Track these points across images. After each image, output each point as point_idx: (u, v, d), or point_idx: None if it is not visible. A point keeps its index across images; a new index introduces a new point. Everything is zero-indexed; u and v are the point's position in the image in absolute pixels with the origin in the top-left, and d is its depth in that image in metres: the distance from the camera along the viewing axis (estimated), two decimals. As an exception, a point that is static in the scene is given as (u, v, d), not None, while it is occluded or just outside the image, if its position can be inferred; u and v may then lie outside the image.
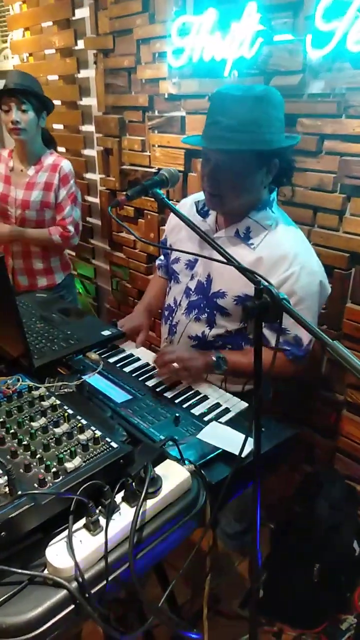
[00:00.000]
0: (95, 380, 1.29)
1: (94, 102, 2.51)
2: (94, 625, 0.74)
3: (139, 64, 2.17)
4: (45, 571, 0.72)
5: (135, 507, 0.77)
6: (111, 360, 1.46)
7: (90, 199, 2.78)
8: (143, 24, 2.07)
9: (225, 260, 1.05)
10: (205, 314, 1.48)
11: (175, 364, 1.35)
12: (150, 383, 1.37)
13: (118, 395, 1.28)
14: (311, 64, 1.55)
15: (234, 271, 1.21)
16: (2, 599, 0.68)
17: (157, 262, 1.83)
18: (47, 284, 2.32)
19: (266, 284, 0.93)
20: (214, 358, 1.39)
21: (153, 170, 2.27)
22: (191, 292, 1.53)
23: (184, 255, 1.57)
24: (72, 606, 0.70)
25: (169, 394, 1.32)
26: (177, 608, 1.51)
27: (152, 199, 1.40)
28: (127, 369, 1.42)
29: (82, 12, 2.39)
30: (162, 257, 1.81)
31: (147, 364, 1.45)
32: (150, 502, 0.80)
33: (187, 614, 1.64)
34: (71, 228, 2.23)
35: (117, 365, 1.43)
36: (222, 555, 2.03)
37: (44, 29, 2.74)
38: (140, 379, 1.38)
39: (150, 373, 1.41)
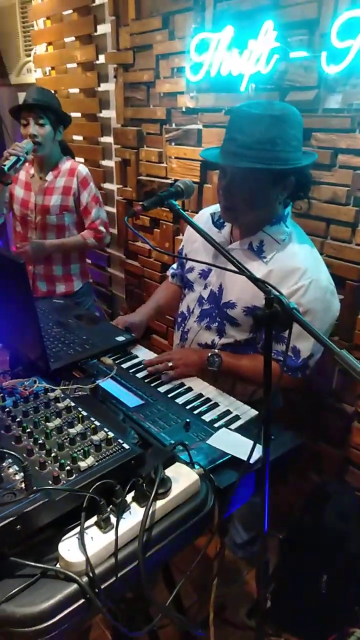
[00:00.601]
0: (108, 384, 1.32)
1: (113, 114, 2.58)
2: (102, 631, 0.77)
3: (158, 79, 2.22)
4: (58, 565, 0.75)
5: (145, 507, 0.80)
6: (124, 365, 1.49)
7: (107, 208, 2.82)
8: (163, 40, 2.13)
9: (237, 270, 1.08)
10: (216, 323, 1.51)
11: (170, 363, 1.42)
12: (162, 389, 1.39)
13: (130, 400, 1.31)
14: (326, 80, 1.58)
15: (245, 282, 1.32)
16: (15, 590, 0.71)
17: (171, 270, 1.87)
18: (66, 290, 2.38)
19: (277, 293, 0.96)
20: (209, 354, 1.44)
21: (169, 181, 2.32)
22: (204, 301, 1.56)
23: (198, 265, 1.60)
24: (83, 600, 0.73)
25: (180, 400, 1.34)
26: (183, 612, 1.52)
27: (168, 210, 1.44)
28: (139, 375, 1.46)
29: (104, 28, 2.47)
30: (174, 265, 1.85)
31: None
32: (159, 503, 0.83)
33: (194, 619, 1.65)
34: (102, 229, 2.31)
35: (130, 371, 1.46)
36: (230, 565, 2.03)
37: (66, 44, 2.82)
38: (152, 385, 1.41)
39: (162, 380, 1.44)
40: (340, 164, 1.63)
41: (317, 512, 1.77)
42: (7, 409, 0.96)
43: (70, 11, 2.65)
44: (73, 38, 2.68)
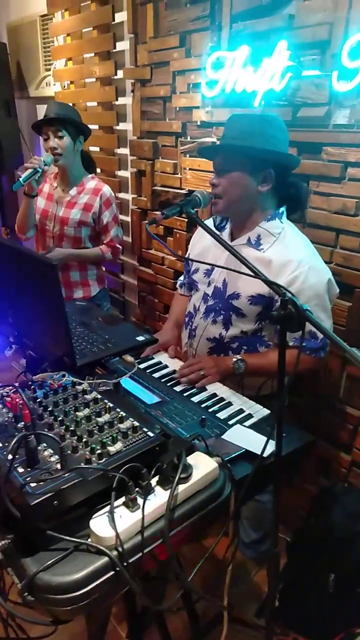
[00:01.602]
0: (127, 382, 1.39)
1: (129, 127, 2.68)
2: (113, 626, 0.82)
3: (174, 94, 2.32)
4: (89, 540, 0.81)
5: (169, 489, 0.86)
6: (142, 366, 1.56)
7: (122, 217, 2.92)
8: (179, 58, 2.23)
9: (252, 273, 1.16)
10: (222, 316, 1.62)
11: (202, 372, 1.48)
12: (177, 388, 1.46)
13: (148, 397, 1.38)
14: (336, 97, 1.66)
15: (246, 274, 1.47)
16: (51, 561, 0.78)
17: (179, 282, 1.99)
18: (83, 295, 2.47)
19: (290, 295, 1.03)
20: (234, 360, 1.53)
21: (184, 191, 2.40)
22: (209, 298, 1.67)
23: (202, 266, 1.73)
24: (112, 572, 0.79)
25: (195, 399, 1.41)
26: (192, 607, 1.57)
27: (182, 219, 1.54)
28: (156, 375, 1.53)
29: (123, 45, 2.57)
30: (181, 277, 1.98)
31: (175, 371, 1.55)
32: (181, 487, 0.89)
33: (203, 616, 1.70)
34: (119, 246, 2.47)
35: (147, 371, 1.54)
36: (238, 564, 2.07)
37: (85, 59, 2.93)
38: (168, 384, 1.48)
39: (178, 379, 1.51)
40: (349, 176, 1.70)
41: (324, 513, 1.82)
42: (39, 400, 1.03)
43: (90, 28, 2.76)
44: (92, 54, 2.79)
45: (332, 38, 1.63)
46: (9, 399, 0.95)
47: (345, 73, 1.58)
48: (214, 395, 1.45)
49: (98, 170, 2.96)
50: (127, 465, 0.84)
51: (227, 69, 1.96)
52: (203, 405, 1.38)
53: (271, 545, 1.21)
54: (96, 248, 2.42)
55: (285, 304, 1.02)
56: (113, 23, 2.59)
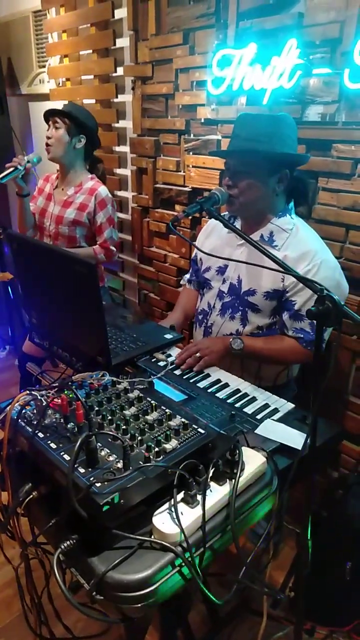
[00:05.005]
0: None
1: (129, 124, 2.66)
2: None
3: (177, 91, 2.32)
4: (152, 537, 0.82)
5: (224, 484, 0.88)
6: (161, 364, 1.57)
7: (121, 215, 2.91)
8: (183, 55, 2.23)
9: (282, 269, 1.18)
10: (239, 312, 1.64)
11: (198, 354, 1.51)
12: (201, 385, 1.47)
13: (175, 395, 1.39)
14: (347, 95, 1.69)
15: (261, 270, 1.54)
16: (118, 560, 0.78)
17: (186, 277, 2.01)
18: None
19: (327, 291, 1.05)
20: (231, 339, 1.57)
21: (187, 189, 2.40)
22: (224, 295, 1.70)
23: (214, 263, 1.75)
24: (178, 568, 0.80)
25: (220, 395, 1.43)
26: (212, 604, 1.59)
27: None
28: (177, 372, 1.53)
29: (122, 42, 2.56)
30: (187, 275, 2.01)
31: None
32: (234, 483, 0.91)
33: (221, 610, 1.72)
34: (113, 248, 2.41)
35: (166, 369, 1.54)
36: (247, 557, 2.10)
37: (82, 56, 2.91)
38: (191, 380, 1.49)
39: (201, 375, 1.52)
40: (359, 173, 1.73)
41: (338, 502, 1.86)
42: (82, 400, 1.03)
43: (87, 25, 2.74)
44: (90, 51, 2.76)
45: (343, 36, 1.66)
46: (58, 400, 0.95)
47: (357, 71, 1.61)
48: (238, 391, 1.46)
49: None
50: (185, 462, 0.85)
51: (234, 66, 1.96)
52: (229, 401, 1.40)
53: (303, 534, 1.25)
54: (89, 248, 2.39)
55: (323, 300, 1.04)
56: (112, 20, 2.56)
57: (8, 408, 0.95)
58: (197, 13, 2.12)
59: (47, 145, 2.27)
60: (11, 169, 2.15)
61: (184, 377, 1.50)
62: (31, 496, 0.89)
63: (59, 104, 2.55)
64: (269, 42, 1.84)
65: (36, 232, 2.49)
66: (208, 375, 1.52)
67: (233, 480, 0.90)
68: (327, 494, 1.96)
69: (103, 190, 2.36)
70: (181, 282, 2.09)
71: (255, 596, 1.90)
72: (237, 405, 1.38)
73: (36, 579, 1.11)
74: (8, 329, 3.73)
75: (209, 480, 0.89)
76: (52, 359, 2.74)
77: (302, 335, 1.57)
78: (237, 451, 0.90)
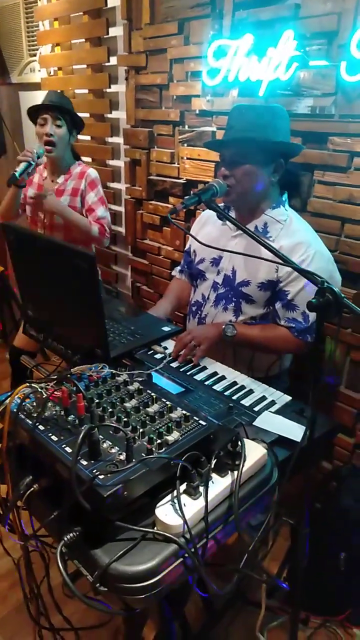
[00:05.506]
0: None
1: (122, 115, 2.64)
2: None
3: (171, 82, 2.30)
4: (155, 529, 0.82)
5: (225, 476, 0.88)
6: (157, 356, 1.57)
7: (114, 207, 2.89)
8: (177, 45, 2.20)
9: (281, 261, 1.18)
10: (232, 303, 1.65)
11: (192, 342, 1.51)
12: (198, 377, 1.48)
13: (172, 387, 1.39)
14: (344, 87, 1.69)
15: (255, 262, 1.54)
16: (122, 551, 0.78)
17: (178, 268, 2.03)
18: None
19: (328, 283, 1.06)
20: (223, 326, 1.57)
21: (181, 181, 2.39)
22: (218, 286, 1.70)
23: (208, 255, 1.75)
24: (181, 559, 0.80)
25: (217, 387, 1.43)
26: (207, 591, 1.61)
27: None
28: (174, 365, 1.53)
29: (116, 31, 2.52)
30: (178, 267, 2.03)
31: (191, 361, 1.56)
32: (236, 474, 0.91)
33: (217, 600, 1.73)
34: (107, 228, 2.34)
35: (162, 362, 1.54)
36: (246, 547, 2.11)
37: (74, 45, 2.86)
38: (187, 373, 1.49)
39: (198, 368, 1.52)
40: (355, 166, 1.73)
41: (332, 494, 1.88)
42: (84, 392, 1.02)
43: (79, 13, 2.69)
44: (83, 40, 2.72)
45: (340, 28, 1.65)
46: (58, 392, 0.94)
47: (354, 64, 1.60)
48: (235, 383, 1.47)
49: (89, 159, 2.92)
50: (188, 454, 0.85)
51: (230, 57, 1.95)
52: (226, 394, 1.40)
53: (299, 525, 1.26)
54: (85, 219, 2.32)
55: (324, 292, 1.04)
56: (105, 8, 2.53)
57: (7, 401, 0.94)
58: (192, 3, 2.09)
59: (51, 144, 2.21)
60: (24, 164, 2.08)
61: (181, 370, 1.50)
62: (32, 489, 0.88)
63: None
64: (265, 33, 1.83)
65: (27, 222, 2.46)
66: (205, 368, 1.52)
67: (235, 472, 0.90)
68: (321, 486, 1.97)
69: (92, 171, 2.36)
70: (172, 273, 2.09)
71: (250, 587, 1.92)
72: (234, 397, 1.38)
73: (34, 570, 1.11)
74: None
75: (210, 471, 0.89)
76: (44, 352, 2.73)
77: (294, 325, 1.58)
78: (239, 442, 0.90)
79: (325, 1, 1.66)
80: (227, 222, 1.73)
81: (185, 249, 2.00)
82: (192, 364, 1.51)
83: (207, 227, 1.83)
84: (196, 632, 1.65)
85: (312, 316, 1.55)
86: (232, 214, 1.72)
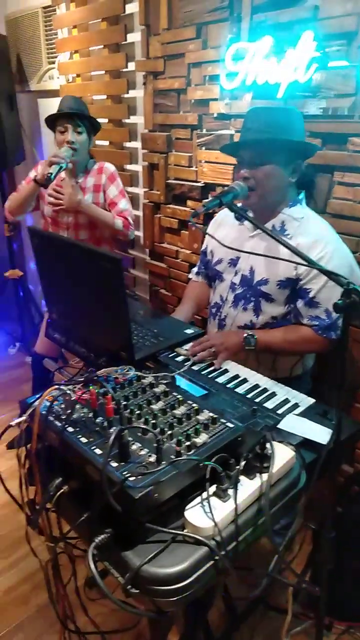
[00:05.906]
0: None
1: (140, 120, 2.66)
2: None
3: (189, 86, 2.30)
4: (185, 531, 0.82)
5: (254, 478, 0.87)
6: (179, 359, 1.57)
7: (133, 211, 2.90)
8: (195, 49, 2.21)
9: (305, 262, 1.17)
10: (252, 303, 1.65)
11: (212, 349, 1.51)
12: (220, 380, 1.47)
13: (195, 390, 1.39)
14: (364, 88, 1.68)
15: (274, 259, 1.55)
16: (154, 553, 0.78)
17: (195, 270, 2.03)
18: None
19: (353, 284, 1.05)
20: (244, 335, 1.57)
21: (200, 184, 2.39)
22: (236, 286, 1.70)
23: (225, 256, 1.76)
24: (212, 562, 0.80)
25: (240, 390, 1.42)
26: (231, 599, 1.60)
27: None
28: (195, 368, 1.53)
29: (133, 37, 2.55)
30: (194, 269, 2.03)
31: (213, 363, 1.55)
32: (265, 476, 0.90)
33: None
34: (130, 220, 2.37)
35: (185, 364, 1.54)
36: (267, 552, 2.10)
37: (92, 52, 2.89)
38: (209, 376, 1.49)
39: (219, 370, 1.51)
40: (376, 167, 1.72)
41: (354, 498, 1.85)
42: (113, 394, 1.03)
43: (98, 20, 2.72)
44: (101, 46, 2.75)
45: (359, 29, 1.64)
46: (87, 395, 0.95)
47: (375, 64, 1.60)
48: (257, 386, 1.46)
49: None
50: (217, 456, 0.85)
51: (248, 60, 1.95)
52: (249, 397, 1.39)
53: (324, 528, 1.25)
54: (109, 213, 2.36)
55: (349, 293, 1.04)
56: (122, 15, 2.55)
57: (37, 403, 0.95)
58: (210, 7, 2.10)
59: (73, 150, 2.23)
60: (56, 166, 2.11)
61: (202, 373, 1.50)
62: (61, 491, 0.89)
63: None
64: (284, 35, 1.83)
65: (45, 224, 2.49)
66: (226, 371, 1.52)
67: (264, 474, 0.90)
68: (343, 490, 1.95)
69: (110, 165, 2.41)
70: (189, 276, 2.08)
71: (272, 591, 1.90)
72: (257, 400, 1.37)
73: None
74: (18, 326, 3.74)
75: (239, 474, 0.89)
76: (64, 358, 2.75)
77: (317, 323, 1.57)
78: (268, 445, 0.89)
79: (345, 2, 1.66)
80: (245, 222, 1.73)
81: (202, 249, 2.00)
82: (213, 367, 1.50)
83: (223, 227, 1.83)
84: (218, 637, 1.64)
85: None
86: (250, 214, 1.72)
